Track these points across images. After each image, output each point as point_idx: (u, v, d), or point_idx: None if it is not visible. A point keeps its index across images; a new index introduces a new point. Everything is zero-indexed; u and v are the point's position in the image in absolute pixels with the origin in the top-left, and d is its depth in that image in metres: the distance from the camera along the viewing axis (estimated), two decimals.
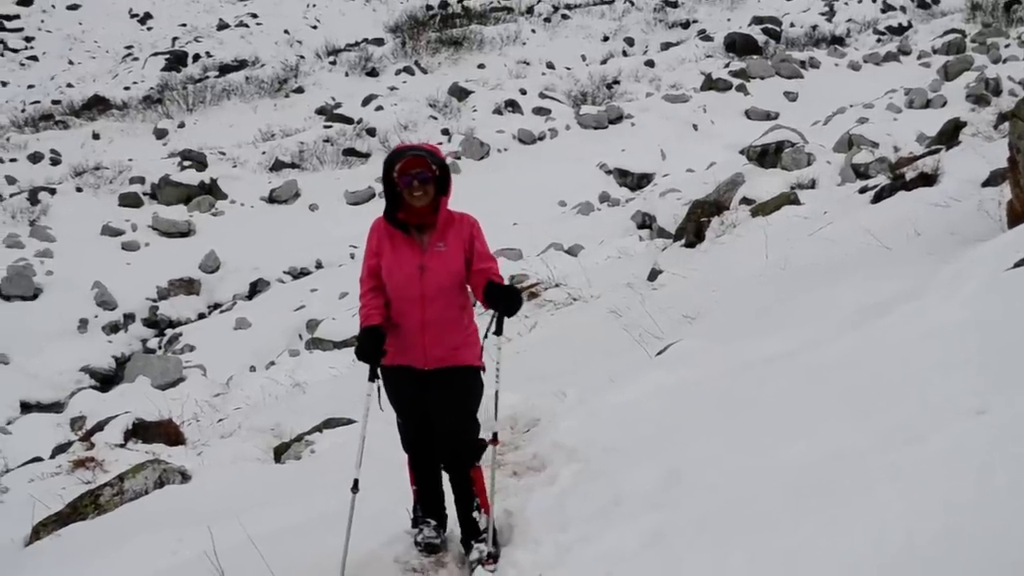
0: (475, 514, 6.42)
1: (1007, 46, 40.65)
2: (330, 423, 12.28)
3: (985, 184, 13.01)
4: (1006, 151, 10.65)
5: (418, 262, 6.09)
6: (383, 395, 6.38)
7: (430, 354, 6.20)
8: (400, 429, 6.49)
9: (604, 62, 55.71)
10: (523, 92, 47.99)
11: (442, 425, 6.27)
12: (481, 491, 6.49)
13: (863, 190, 17.31)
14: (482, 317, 6.64)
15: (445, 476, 6.64)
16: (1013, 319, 6.63)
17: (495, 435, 6.61)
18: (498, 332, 6.33)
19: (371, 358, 6.10)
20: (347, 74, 56.06)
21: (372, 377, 6.23)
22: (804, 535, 4.97)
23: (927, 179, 15.11)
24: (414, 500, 6.66)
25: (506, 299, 6.16)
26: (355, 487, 6.26)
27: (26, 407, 24.92)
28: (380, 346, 6.06)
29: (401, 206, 6.15)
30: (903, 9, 55.34)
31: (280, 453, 12.16)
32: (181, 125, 49.72)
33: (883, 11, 55.35)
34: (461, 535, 6.56)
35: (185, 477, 10.91)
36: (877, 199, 15.68)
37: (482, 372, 6.48)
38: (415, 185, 5.97)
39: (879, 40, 52.96)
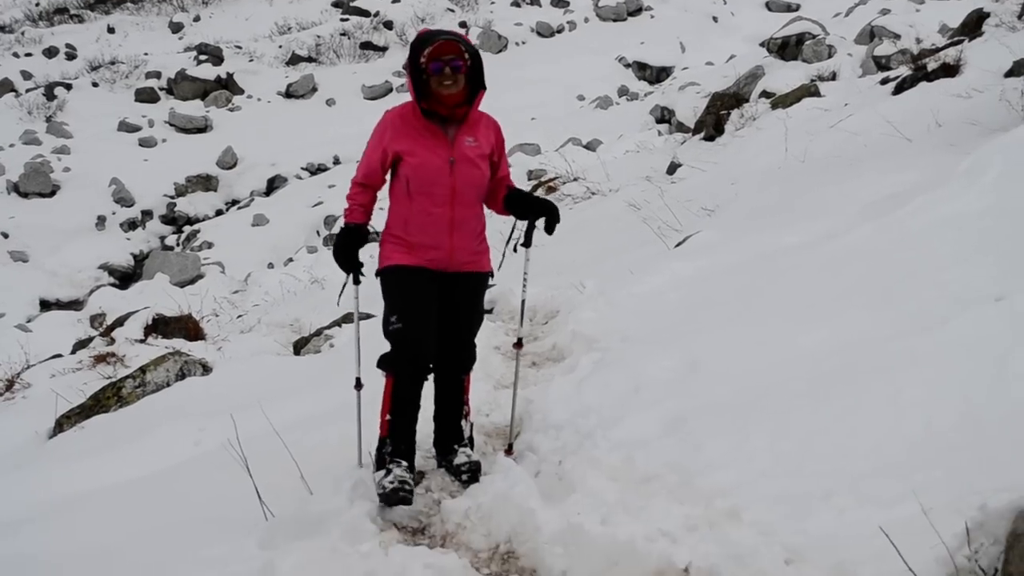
0: (463, 422, 6.06)
1: None
2: (349, 318, 12.31)
3: (1008, 74, 12.89)
4: None
5: (448, 155, 5.50)
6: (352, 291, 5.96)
7: (456, 257, 5.68)
8: (395, 340, 5.58)
9: None
10: None
11: (458, 330, 5.81)
12: (467, 398, 6.16)
13: (884, 81, 17.16)
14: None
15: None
16: None
17: (520, 340, 6.42)
18: (527, 244, 5.95)
19: (349, 265, 5.72)
20: None
21: (356, 280, 5.85)
22: (824, 419, 5.03)
23: (949, 70, 14.97)
24: (382, 434, 5.65)
25: (547, 213, 5.87)
26: (358, 384, 5.94)
27: (45, 305, 25.06)
28: (358, 248, 5.72)
29: (427, 96, 5.49)
30: None
31: (299, 347, 12.26)
32: (196, 19, 49.34)
33: None
34: (439, 441, 6.08)
35: (206, 369, 10.99)
36: (898, 90, 15.55)
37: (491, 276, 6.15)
38: (447, 72, 5.35)
39: None
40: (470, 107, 5.57)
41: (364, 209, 5.77)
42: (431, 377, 5.88)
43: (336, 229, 24.91)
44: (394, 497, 5.39)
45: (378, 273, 5.80)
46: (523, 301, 6.31)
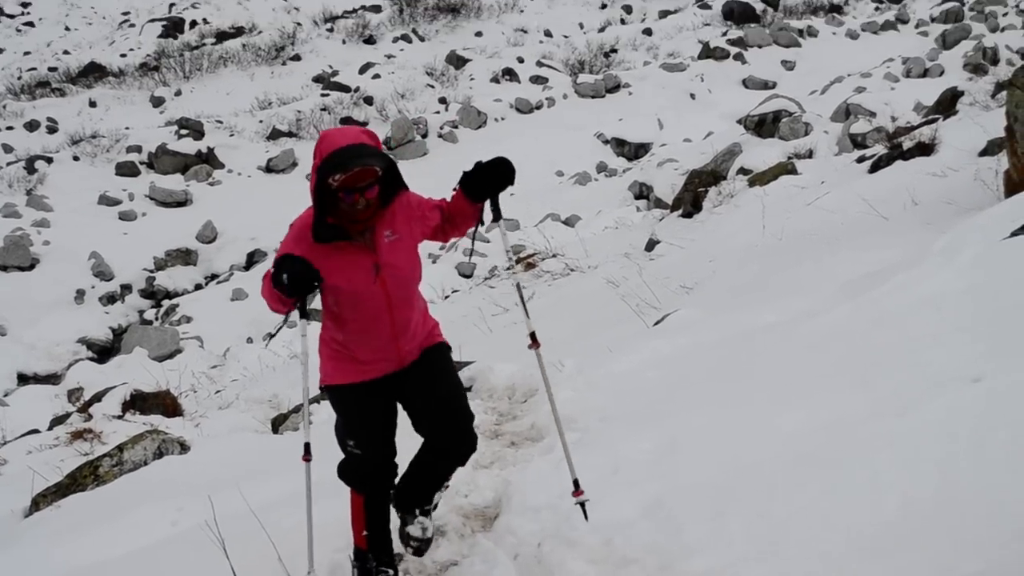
0: (438, 493, 5.67)
1: (1005, 15, 40.48)
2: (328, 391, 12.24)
3: (982, 154, 13.05)
4: (1003, 120, 10.68)
5: (371, 262, 5.02)
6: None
7: (406, 358, 5.31)
8: (355, 464, 5.40)
9: (602, 30, 55.48)
10: (520, 60, 47.80)
11: (438, 399, 5.32)
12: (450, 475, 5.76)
13: (860, 159, 17.33)
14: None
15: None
16: (1009, 287, 6.67)
17: (533, 335, 5.72)
18: (497, 217, 5.48)
19: (304, 282, 4.82)
20: (344, 41, 55.70)
21: (304, 314, 5.10)
22: (802, 501, 5.03)
23: (924, 149, 15.14)
24: (361, 547, 5.48)
25: (496, 171, 5.25)
26: (307, 453, 5.34)
27: (23, 378, 24.87)
28: (310, 267, 4.81)
29: (332, 211, 4.94)
30: None
31: (278, 424, 12.18)
32: (178, 93, 49.47)
33: None
34: (404, 498, 5.61)
35: (184, 448, 10.92)
36: (874, 169, 15.70)
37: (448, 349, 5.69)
38: (361, 202, 4.83)
39: (877, 8, 52.63)
40: (385, 208, 5.08)
41: None
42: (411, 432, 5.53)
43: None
44: None
45: (323, 387, 5.51)
46: (518, 284, 5.86)
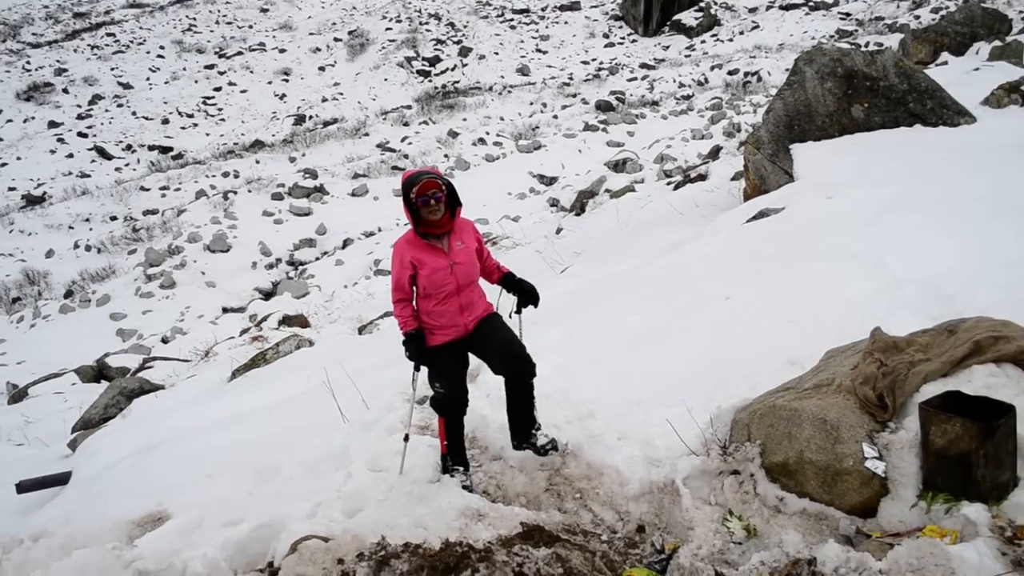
0: (536, 412, 4.58)
1: (744, 106, 40.40)
2: (388, 314, 12.22)
3: (732, 179, 13.09)
4: (742, 161, 10.74)
5: (448, 261, 4.29)
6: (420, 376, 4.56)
7: (469, 325, 4.41)
8: (439, 399, 4.49)
9: (531, 116, 54.87)
10: (488, 133, 47.22)
11: (505, 347, 4.43)
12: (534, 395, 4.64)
13: (669, 183, 17.33)
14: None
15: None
16: (744, 250, 6.76)
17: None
18: (519, 312, 4.72)
19: (420, 359, 4.34)
20: (392, 124, 54.81)
21: (418, 368, 4.46)
22: (637, 363, 5.09)
23: (702, 177, 15.15)
24: (444, 451, 4.59)
25: (532, 297, 4.69)
26: (406, 438, 4.62)
27: (225, 310, 24.74)
28: (424, 347, 4.34)
29: (420, 222, 4.31)
30: (689, 87, 54.49)
31: (361, 330, 12.15)
32: (303, 154, 48.54)
33: (679, 87, 54.62)
34: (517, 431, 4.62)
35: (311, 343, 10.88)
36: (676, 188, 15.69)
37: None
38: (432, 204, 4.19)
39: (677, 103, 52.29)
40: (453, 221, 4.35)
41: (413, 317, 4.38)
42: (499, 387, 4.71)
43: (378, 266, 24.73)
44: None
45: None
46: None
